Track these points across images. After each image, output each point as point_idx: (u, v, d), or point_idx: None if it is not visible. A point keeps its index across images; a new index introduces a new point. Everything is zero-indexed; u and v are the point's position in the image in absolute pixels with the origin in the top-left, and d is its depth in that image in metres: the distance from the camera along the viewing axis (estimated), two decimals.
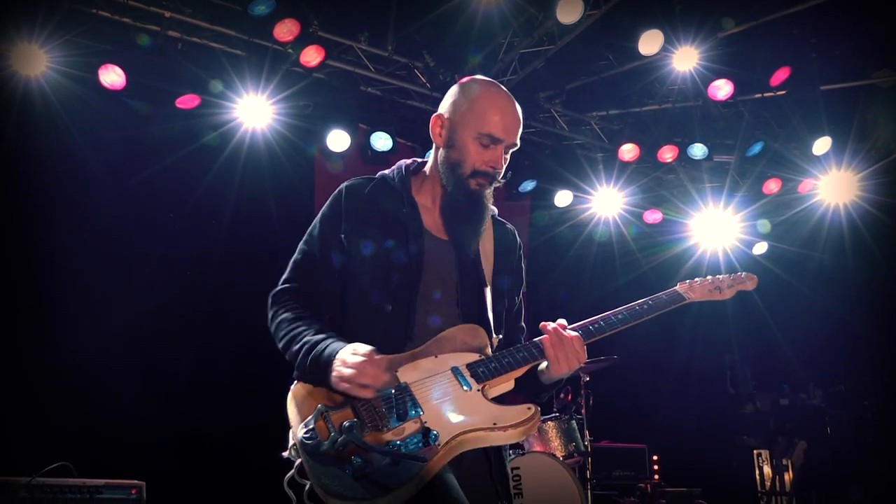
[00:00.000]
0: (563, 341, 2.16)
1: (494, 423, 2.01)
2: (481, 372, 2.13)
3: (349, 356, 2.00)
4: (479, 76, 2.42)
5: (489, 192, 2.33)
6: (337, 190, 2.40)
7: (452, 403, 2.05)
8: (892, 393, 7.54)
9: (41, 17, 5.16)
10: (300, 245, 2.37)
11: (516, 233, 2.55)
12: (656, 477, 7.36)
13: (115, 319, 5.67)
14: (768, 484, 8.05)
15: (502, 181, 2.33)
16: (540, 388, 2.29)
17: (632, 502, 6.82)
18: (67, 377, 5.28)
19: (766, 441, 8.15)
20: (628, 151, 7.35)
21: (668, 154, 7.27)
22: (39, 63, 5.34)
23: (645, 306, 2.38)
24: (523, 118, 2.35)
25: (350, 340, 2.10)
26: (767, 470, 8.15)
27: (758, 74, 6.74)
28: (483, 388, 2.11)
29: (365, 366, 1.97)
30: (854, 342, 7.80)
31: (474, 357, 2.18)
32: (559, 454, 5.56)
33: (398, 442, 1.93)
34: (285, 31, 5.52)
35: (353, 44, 6.40)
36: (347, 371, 1.98)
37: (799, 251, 7.97)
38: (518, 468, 5.19)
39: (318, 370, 2.04)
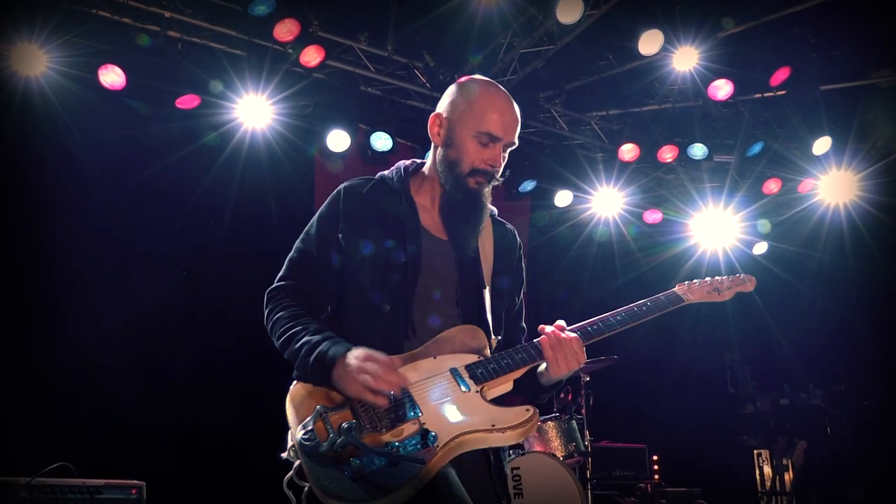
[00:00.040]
0: (561, 342, 2.16)
1: (493, 425, 2.01)
2: (480, 373, 2.13)
3: (367, 363, 1.99)
4: (477, 76, 2.42)
5: (488, 190, 2.33)
6: (335, 190, 2.40)
7: (451, 405, 2.05)
8: (892, 393, 7.54)
9: (41, 17, 5.16)
10: (296, 244, 2.37)
11: (516, 233, 2.55)
12: (656, 477, 7.36)
13: (115, 319, 5.67)
14: (768, 484, 8.05)
15: (500, 179, 2.33)
16: (539, 390, 2.29)
17: (632, 502, 6.82)
18: (67, 377, 5.28)
19: (766, 441, 8.16)
20: (628, 151, 7.35)
21: (668, 154, 7.27)
22: (39, 63, 5.34)
23: (644, 308, 2.37)
24: (523, 118, 2.36)
25: (349, 340, 2.10)
26: (767, 470, 8.15)
27: (758, 74, 6.74)
28: (482, 389, 2.11)
29: (387, 373, 1.97)
30: (854, 342, 7.80)
31: (473, 358, 2.18)
32: (559, 454, 5.56)
33: (397, 443, 1.93)
34: (285, 31, 5.52)
35: (353, 44, 6.40)
36: (364, 376, 1.97)
37: (799, 251, 7.97)
38: (518, 468, 5.19)
39: (321, 370, 2.04)
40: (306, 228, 2.38)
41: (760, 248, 8.34)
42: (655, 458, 7.45)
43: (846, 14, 6.11)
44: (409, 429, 1.97)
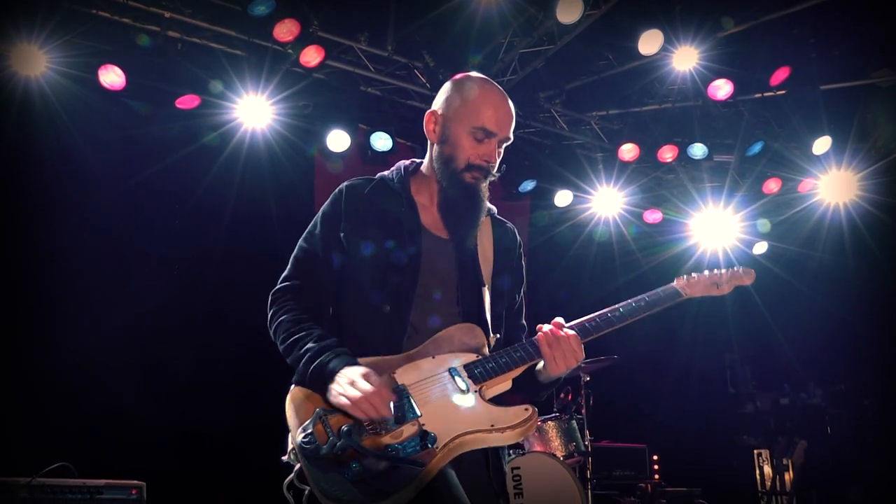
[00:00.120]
0: (559, 340, 2.16)
1: (492, 425, 2.01)
2: (478, 373, 2.13)
3: (359, 378, 1.98)
4: (472, 73, 2.42)
5: (485, 185, 2.33)
6: (337, 189, 2.39)
7: (450, 405, 2.05)
8: (892, 393, 7.54)
9: (41, 18, 5.15)
10: (300, 242, 2.36)
11: (516, 231, 2.55)
12: (656, 477, 7.36)
13: (115, 319, 5.66)
14: (768, 484, 8.05)
15: (497, 175, 2.33)
16: (538, 388, 2.29)
17: (632, 502, 6.82)
18: (67, 377, 5.28)
19: (766, 441, 8.17)
20: (628, 151, 7.34)
21: (668, 154, 7.26)
22: (39, 63, 5.33)
23: (642, 303, 2.36)
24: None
25: (349, 341, 2.11)
26: (768, 470, 8.15)
27: (758, 74, 6.73)
28: (480, 388, 2.11)
29: (373, 397, 1.95)
30: (854, 342, 7.80)
31: (472, 357, 2.17)
32: (559, 454, 5.56)
33: (396, 445, 1.93)
34: (285, 31, 5.52)
35: (352, 44, 6.40)
36: (353, 392, 1.96)
37: (799, 251, 7.97)
38: (518, 468, 5.19)
39: (320, 380, 2.04)
40: (310, 227, 2.38)
41: (760, 247, 8.34)
42: (655, 457, 7.45)
43: (846, 14, 6.10)
44: (408, 430, 1.96)
